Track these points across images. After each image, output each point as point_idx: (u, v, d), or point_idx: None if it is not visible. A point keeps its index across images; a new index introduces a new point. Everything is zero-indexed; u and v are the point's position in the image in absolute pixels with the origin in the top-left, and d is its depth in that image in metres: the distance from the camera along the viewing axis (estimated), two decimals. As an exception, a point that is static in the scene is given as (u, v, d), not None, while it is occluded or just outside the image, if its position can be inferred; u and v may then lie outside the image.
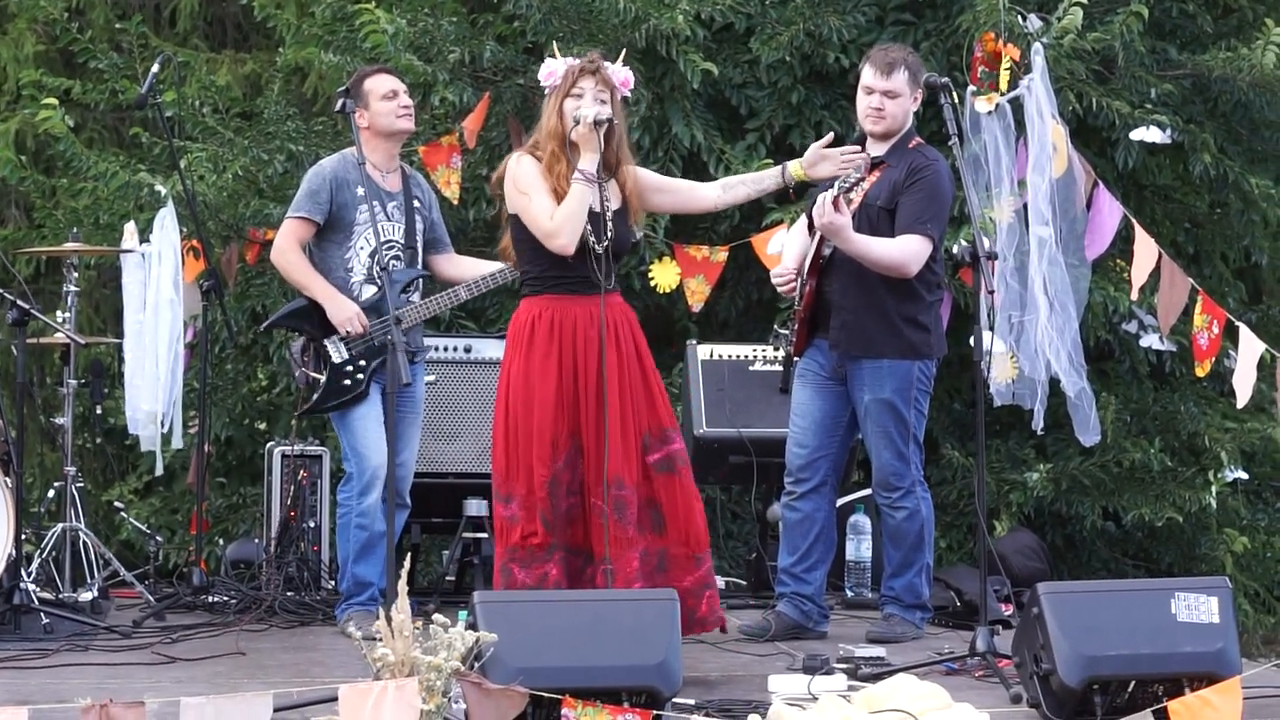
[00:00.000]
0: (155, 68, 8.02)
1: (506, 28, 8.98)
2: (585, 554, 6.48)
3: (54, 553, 7.82)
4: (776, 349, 8.01)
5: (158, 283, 8.20)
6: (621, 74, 6.61)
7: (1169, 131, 8.54)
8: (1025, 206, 7.87)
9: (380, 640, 4.92)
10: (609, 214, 6.48)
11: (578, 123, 6.42)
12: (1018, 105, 7.84)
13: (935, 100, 6.88)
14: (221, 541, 8.96)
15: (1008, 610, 7.51)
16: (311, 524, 8.13)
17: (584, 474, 6.45)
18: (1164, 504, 8.63)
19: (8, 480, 7.04)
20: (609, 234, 6.47)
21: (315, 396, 7.22)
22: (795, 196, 7.56)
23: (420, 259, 7.38)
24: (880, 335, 6.89)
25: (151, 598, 7.77)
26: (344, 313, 7.18)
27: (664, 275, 8.55)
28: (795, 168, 6.72)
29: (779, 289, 7.10)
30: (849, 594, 8.02)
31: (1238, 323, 8.07)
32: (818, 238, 6.89)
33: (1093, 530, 8.91)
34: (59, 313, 7.98)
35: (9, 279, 8.65)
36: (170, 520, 9.45)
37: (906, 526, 7.00)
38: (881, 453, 6.95)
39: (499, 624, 5.10)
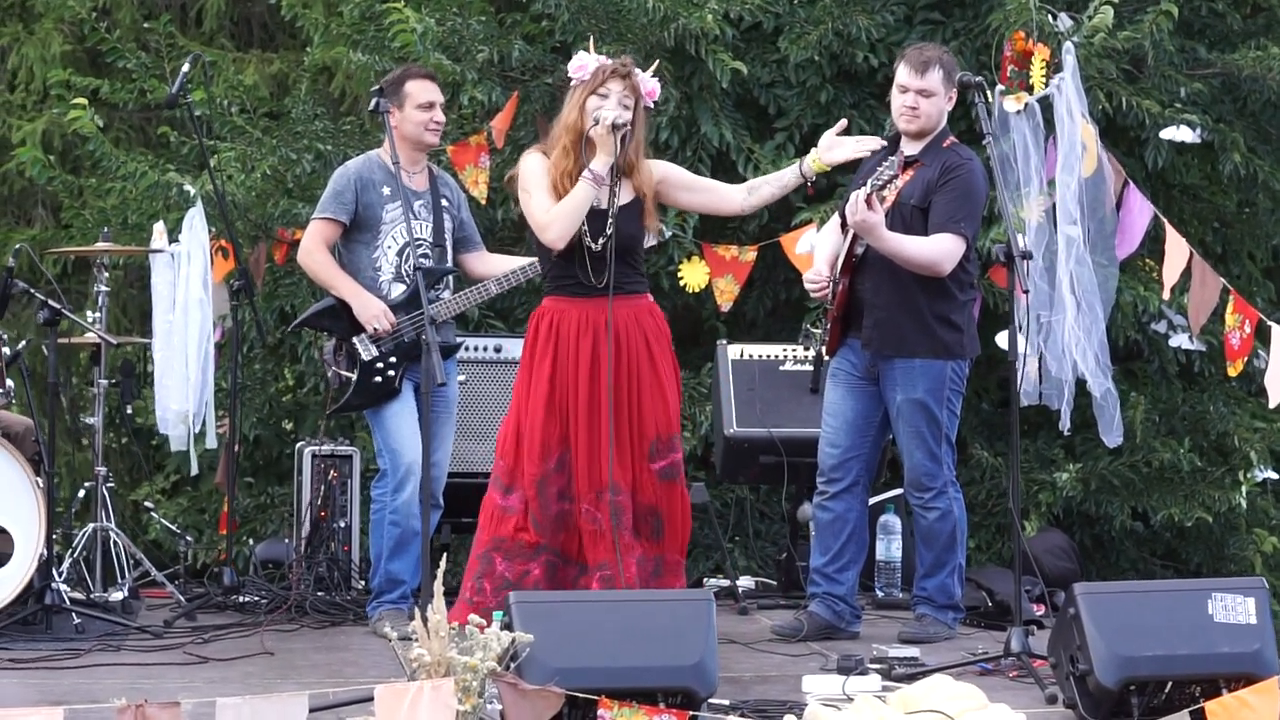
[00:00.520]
0: (185, 67, 8.02)
1: (535, 27, 8.98)
2: (578, 564, 6.52)
3: (85, 553, 7.83)
4: (806, 348, 7.99)
5: (187, 282, 8.20)
6: (650, 84, 6.64)
7: (1199, 131, 8.52)
8: (1054, 206, 7.86)
9: (415, 640, 4.92)
10: (614, 211, 6.51)
11: (597, 122, 6.44)
12: (1046, 105, 7.82)
13: (965, 99, 6.86)
14: (250, 541, 8.96)
15: (1040, 610, 7.50)
16: (342, 524, 8.14)
17: (575, 480, 6.49)
18: (1193, 504, 8.61)
19: (39, 480, 7.06)
20: (609, 232, 6.49)
21: (346, 395, 7.24)
22: (814, 191, 7.52)
23: (450, 257, 7.39)
24: (913, 334, 6.86)
25: (182, 598, 7.77)
26: (370, 310, 7.19)
27: (693, 275, 8.54)
28: (812, 159, 6.72)
29: (812, 294, 7.08)
30: (879, 594, 8.01)
31: (1269, 322, 8.04)
32: (850, 236, 6.87)
33: (1121, 530, 8.88)
34: (89, 312, 8.01)
35: (38, 278, 8.67)
36: (197, 520, 9.45)
37: (939, 527, 6.98)
38: (914, 453, 6.93)
39: (535, 624, 5.11)
